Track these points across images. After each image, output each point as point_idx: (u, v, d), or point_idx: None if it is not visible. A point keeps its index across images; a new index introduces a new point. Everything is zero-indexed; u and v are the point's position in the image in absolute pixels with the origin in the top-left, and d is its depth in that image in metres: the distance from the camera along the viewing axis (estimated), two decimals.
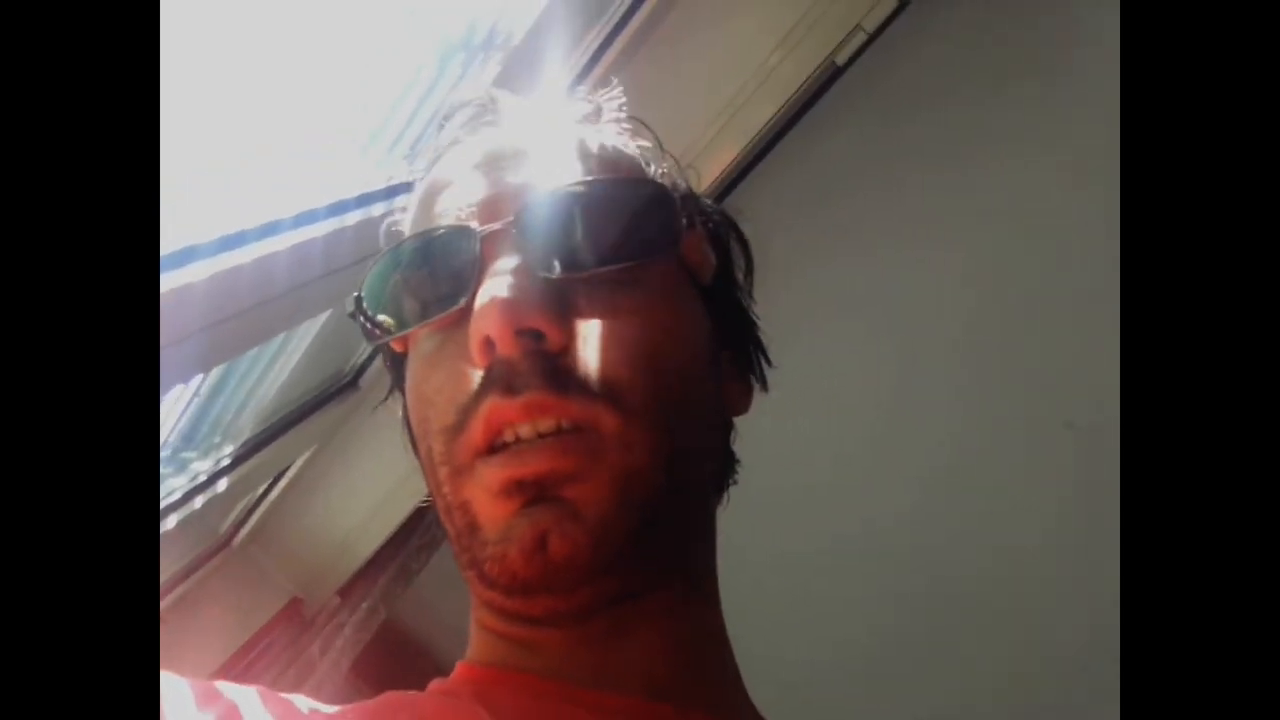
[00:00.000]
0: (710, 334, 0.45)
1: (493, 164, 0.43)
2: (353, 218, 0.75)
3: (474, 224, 0.40)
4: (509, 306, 0.36)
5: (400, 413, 0.48)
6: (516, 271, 0.38)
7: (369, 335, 0.44)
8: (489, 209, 0.41)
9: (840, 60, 1.10)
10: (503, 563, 0.37)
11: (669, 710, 0.41)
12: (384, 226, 0.50)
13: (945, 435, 1.34)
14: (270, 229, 0.67)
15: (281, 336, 0.85)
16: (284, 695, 0.40)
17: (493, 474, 0.37)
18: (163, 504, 0.82)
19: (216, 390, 0.86)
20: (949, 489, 1.34)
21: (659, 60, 1.08)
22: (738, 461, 0.49)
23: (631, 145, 0.47)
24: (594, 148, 0.45)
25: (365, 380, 1.07)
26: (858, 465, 1.38)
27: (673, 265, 0.44)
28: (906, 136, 1.30)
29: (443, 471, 0.39)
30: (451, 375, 0.39)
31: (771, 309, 1.36)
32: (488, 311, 0.37)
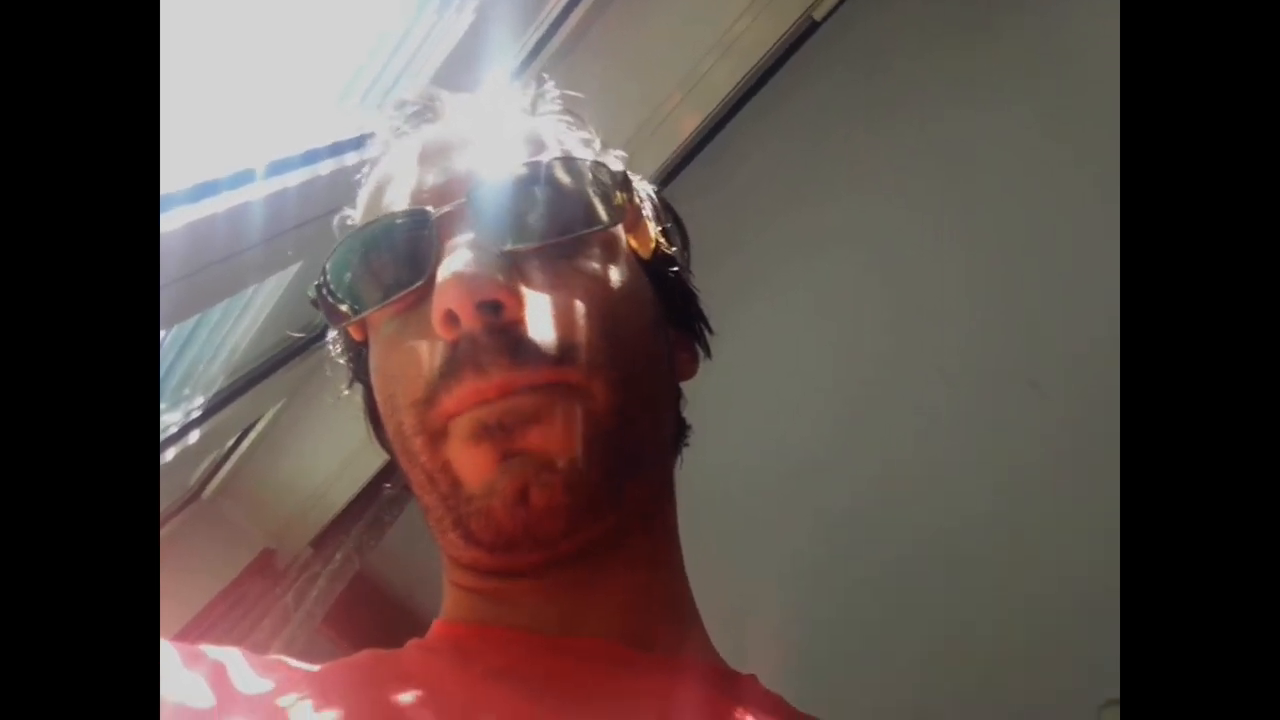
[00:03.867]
0: (655, 303, 0.48)
1: (440, 153, 0.46)
2: (326, 166, 0.74)
3: (429, 207, 0.42)
4: (469, 280, 0.38)
5: (363, 401, 0.50)
6: (473, 247, 0.40)
7: (332, 319, 0.46)
8: (441, 193, 0.43)
9: (818, 16, 1.09)
10: (487, 516, 0.39)
11: (650, 652, 0.43)
12: (336, 220, 0.52)
13: (915, 390, 1.36)
14: (243, 178, 0.65)
15: (252, 288, 0.84)
16: (267, 657, 0.41)
17: (464, 423, 0.39)
18: None
19: (187, 342, 0.85)
20: (919, 446, 1.37)
21: (632, 14, 1.07)
22: (689, 427, 0.52)
23: (569, 131, 0.50)
24: (535, 133, 0.48)
25: None
26: (827, 422, 1.40)
27: (616, 238, 0.47)
28: (883, 89, 1.30)
29: (417, 441, 0.41)
30: (416, 351, 0.41)
31: (747, 262, 1.36)
32: (449, 286, 0.38)
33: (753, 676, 0.46)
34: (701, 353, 0.53)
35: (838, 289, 1.38)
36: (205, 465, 1.12)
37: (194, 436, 0.91)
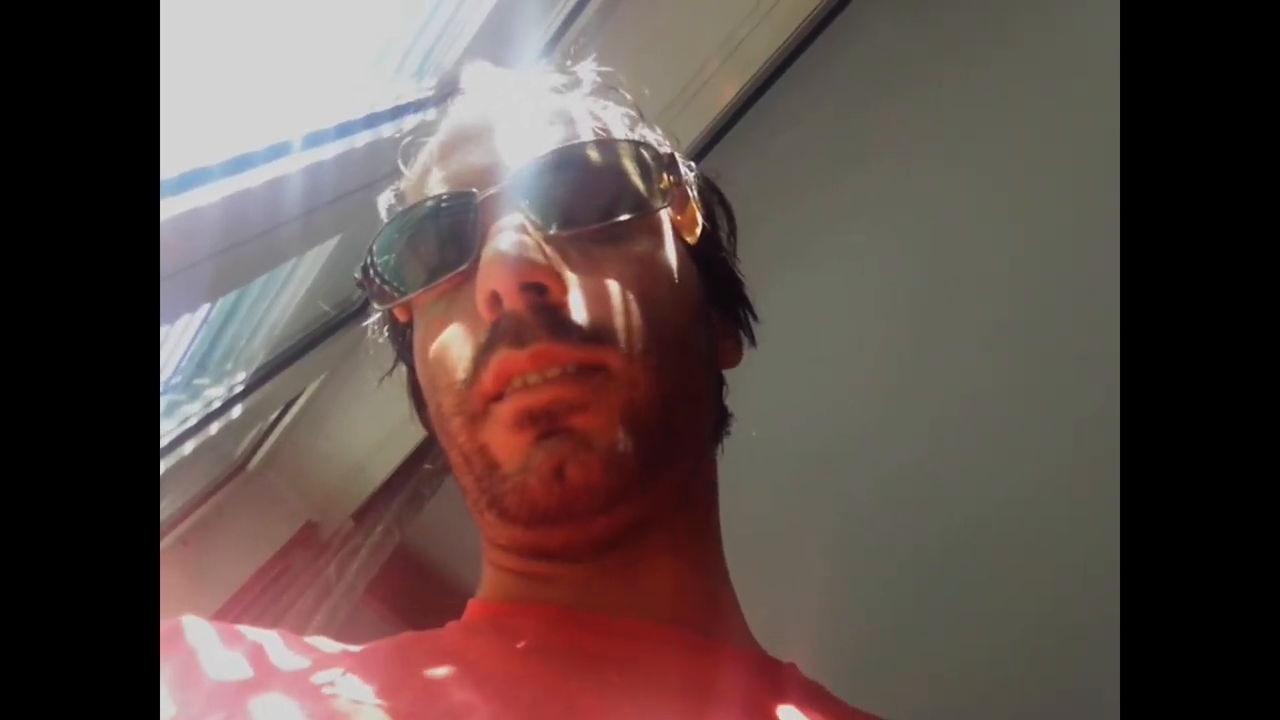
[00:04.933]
0: (700, 289, 0.47)
1: (485, 134, 0.45)
2: (362, 139, 0.74)
3: (474, 190, 0.42)
4: (513, 262, 0.38)
5: (407, 381, 0.51)
6: (518, 230, 0.40)
7: (378, 300, 0.46)
8: (486, 175, 0.43)
9: None
10: (523, 493, 0.38)
11: (691, 635, 0.42)
12: (382, 199, 0.52)
13: (955, 364, 1.34)
14: (278, 151, 0.65)
15: (292, 262, 0.84)
16: (305, 639, 0.42)
17: (505, 409, 0.39)
18: (179, 430, 0.83)
19: (228, 317, 0.85)
20: (959, 423, 1.34)
21: None
22: (731, 415, 0.52)
23: (615, 111, 0.50)
24: (580, 113, 0.47)
25: None
26: (868, 395, 1.38)
27: (661, 222, 0.46)
28: (931, 43, 1.25)
29: (456, 422, 0.41)
30: (459, 333, 0.41)
31: (790, 229, 1.34)
32: (493, 268, 0.38)
33: (793, 665, 0.46)
34: (746, 340, 0.53)
35: (881, 256, 1.35)
36: (250, 438, 1.14)
37: (237, 410, 0.92)
